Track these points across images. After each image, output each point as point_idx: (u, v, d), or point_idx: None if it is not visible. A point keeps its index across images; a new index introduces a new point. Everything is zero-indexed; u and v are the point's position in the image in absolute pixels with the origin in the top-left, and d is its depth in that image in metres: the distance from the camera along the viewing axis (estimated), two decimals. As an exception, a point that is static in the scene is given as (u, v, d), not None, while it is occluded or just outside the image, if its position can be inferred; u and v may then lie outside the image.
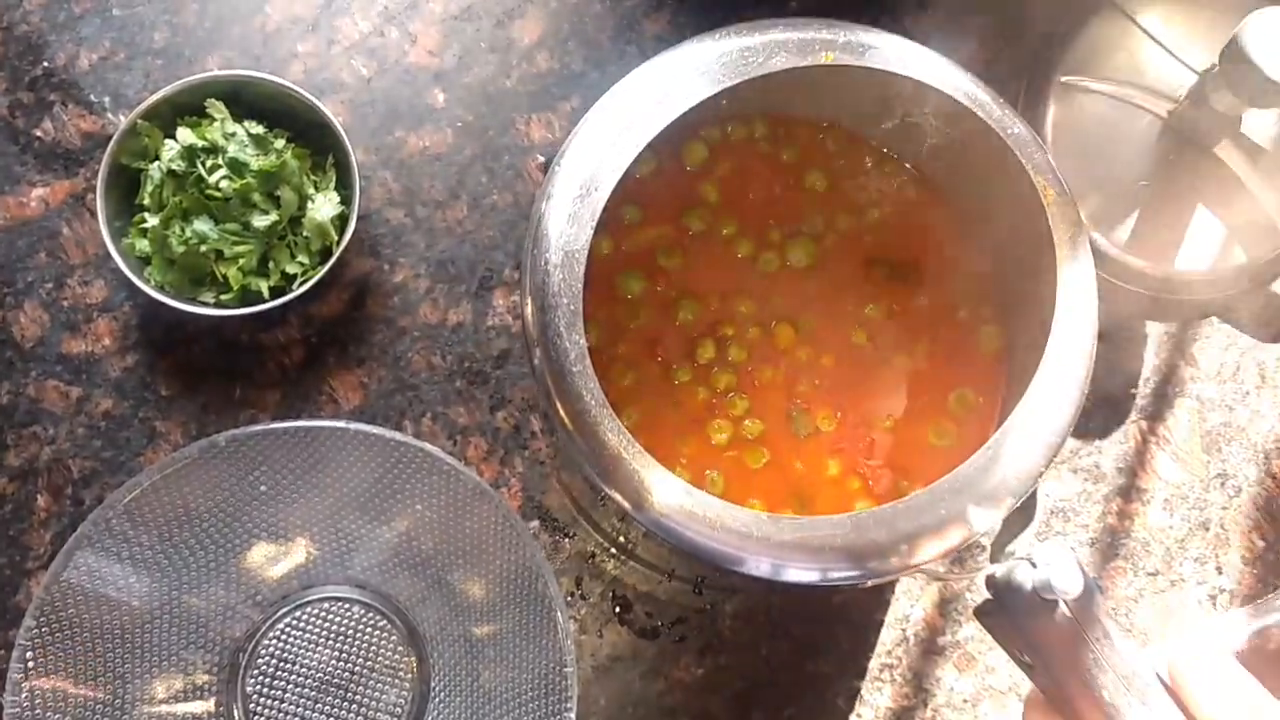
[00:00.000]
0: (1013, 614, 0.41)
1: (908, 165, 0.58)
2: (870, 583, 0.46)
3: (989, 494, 0.44)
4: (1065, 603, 0.39)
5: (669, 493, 0.45)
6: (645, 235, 0.56)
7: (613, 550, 0.62)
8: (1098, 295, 0.49)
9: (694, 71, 0.50)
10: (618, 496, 0.46)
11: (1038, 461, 0.45)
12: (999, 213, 0.54)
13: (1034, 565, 0.40)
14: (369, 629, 0.59)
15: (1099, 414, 0.66)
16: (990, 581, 0.42)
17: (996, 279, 0.56)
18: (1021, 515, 0.46)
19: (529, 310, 0.48)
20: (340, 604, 0.59)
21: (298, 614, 0.59)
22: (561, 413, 0.47)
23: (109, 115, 0.66)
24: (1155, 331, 0.68)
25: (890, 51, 0.51)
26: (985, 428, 0.53)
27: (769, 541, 0.44)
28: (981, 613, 0.43)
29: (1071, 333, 0.47)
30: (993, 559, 0.46)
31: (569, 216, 0.48)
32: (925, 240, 0.57)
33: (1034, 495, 0.46)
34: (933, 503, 0.44)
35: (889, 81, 0.51)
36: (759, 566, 0.44)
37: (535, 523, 0.62)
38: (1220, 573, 0.64)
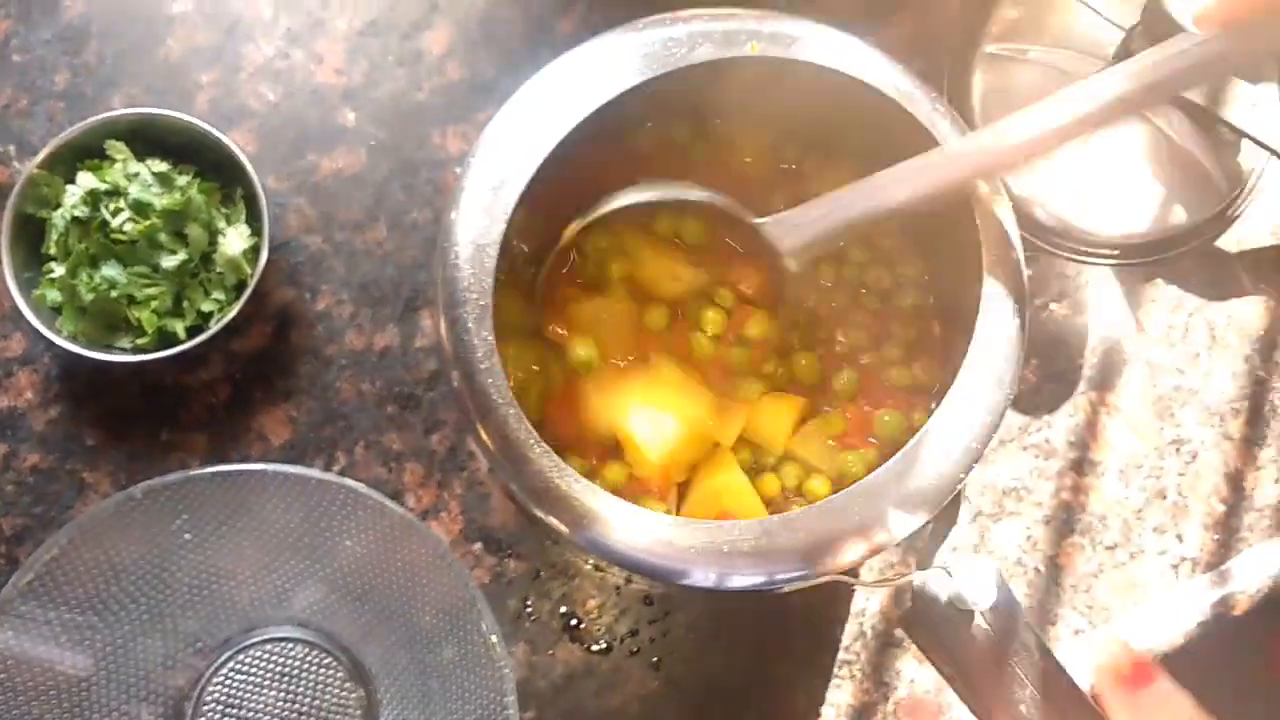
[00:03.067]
0: (931, 625, 0.39)
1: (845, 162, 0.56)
2: (785, 589, 0.44)
3: (907, 500, 0.43)
4: (982, 615, 0.38)
5: (584, 500, 0.44)
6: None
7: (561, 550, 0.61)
8: (1024, 265, 0.48)
9: (614, 64, 0.48)
10: (533, 507, 0.45)
11: (957, 468, 0.44)
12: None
13: (950, 575, 0.38)
14: (314, 668, 0.58)
15: (1046, 387, 0.64)
16: (910, 590, 0.41)
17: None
18: (945, 521, 0.45)
19: (441, 319, 0.46)
20: (283, 644, 0.58)
21: (241, 658, 0.58)
22: (477, 420, 0.45)
23: (15, 164, 0.64)
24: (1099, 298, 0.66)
25: (818, 42, 0.48)
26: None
27: (674, 546, 0.43)
28: (905, 622, 0.42)
29: (994, 336, 0.46)
30: (919, 565, 0.45)
31: (481, 209, 0.46)
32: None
33: (957, 500, 0.45)
34: (847, 508, 0.43)
35: (819, 76, 0.49)
36: (657, 569, 0.43)
37: (478, 544, 0.61)
38: (1181, 541, 0.63)
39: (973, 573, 0.40)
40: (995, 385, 0.45)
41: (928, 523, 0.43)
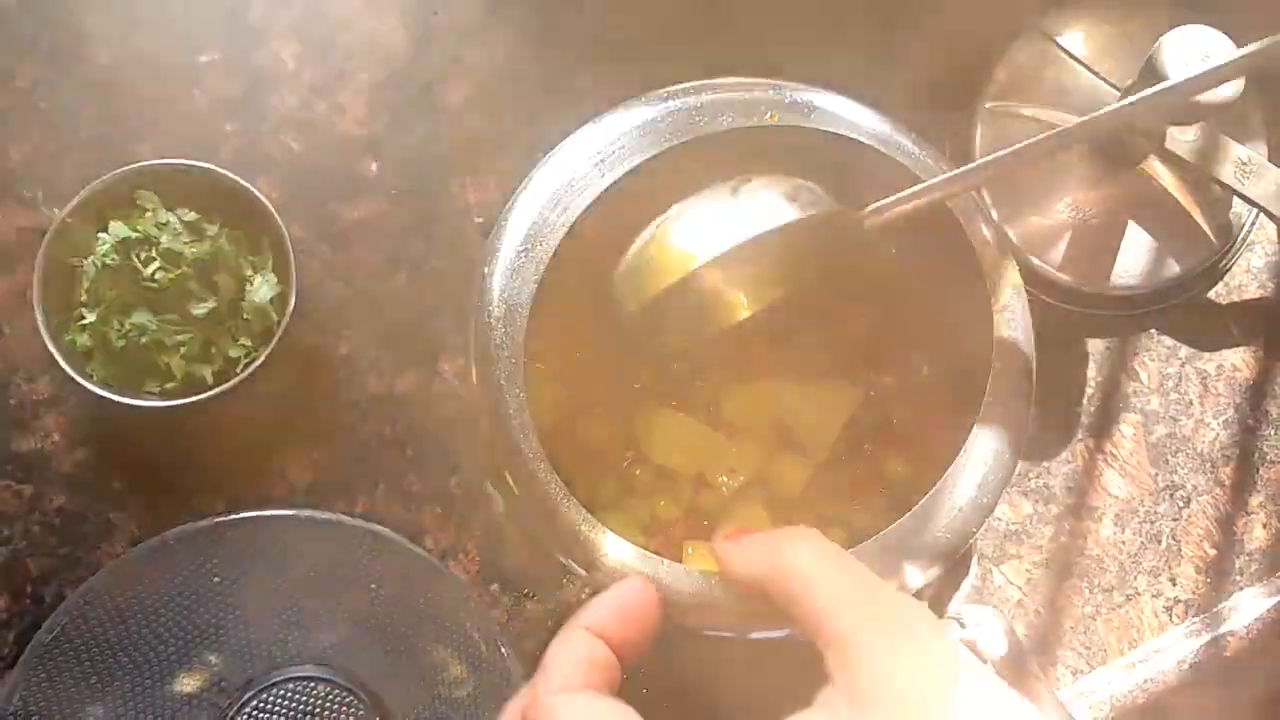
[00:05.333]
0: None
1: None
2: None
3: (921, 554, 0.45)
4: (993, 665, 0.40)
5: (608, 549, 0.46)
6: None
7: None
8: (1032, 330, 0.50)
9: (639, 131, 0.50)
10: (558, 554, 0.47)
11: (969, 524, 0.46)
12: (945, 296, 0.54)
13: (963, 625, 0.40)
14: (336, 706, 0.60)
15: (1045, 435, 0.67)
16: None
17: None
18: (958, 573, 0.47)
19: (474, 372, 0.48)
20: (305, 683, 0.60)
21: (264, 697, 0.59)
22: (504, 469, 0.47)
23: (43, 209, 0.66)
24: (1095, 348, 0.68)
25: (835, 112, 0.51)
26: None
27: (701, 598, 0.45)
28: None
29: (1005, 395, 0.48)
30: None
31: (512, 271, 0.48)
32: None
33: (969, 553, 0.47)
34: (863, 562, 0.45)
35: (837, 145, 0.51)
36: (685, 620, 0.45)
37: (495, 585, 0.63)
38: (1174, 584, 0.65)
39: (984, 623, 0.42)
40: (1006, 443, 0.47)
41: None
